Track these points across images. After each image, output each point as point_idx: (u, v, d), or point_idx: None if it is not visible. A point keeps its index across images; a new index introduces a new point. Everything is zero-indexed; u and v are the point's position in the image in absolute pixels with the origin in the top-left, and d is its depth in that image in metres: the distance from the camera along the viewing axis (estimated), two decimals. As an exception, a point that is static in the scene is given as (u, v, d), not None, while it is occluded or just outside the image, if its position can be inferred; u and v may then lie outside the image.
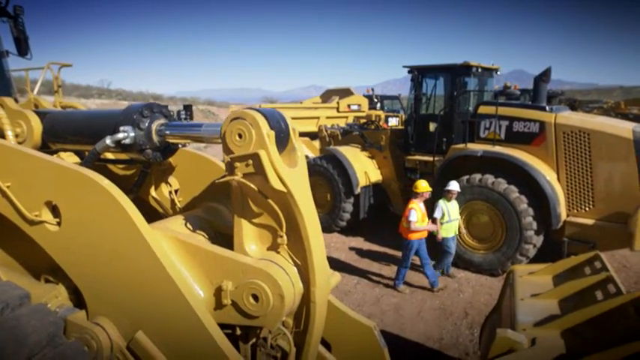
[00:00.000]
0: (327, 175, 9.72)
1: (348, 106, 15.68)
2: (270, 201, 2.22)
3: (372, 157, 10.07)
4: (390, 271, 7.81)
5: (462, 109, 8.72)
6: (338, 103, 15.54)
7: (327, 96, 16.99)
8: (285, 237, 2.27)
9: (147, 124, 2.53)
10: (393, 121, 11.20)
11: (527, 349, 2.37)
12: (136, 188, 3.14)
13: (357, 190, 9.44)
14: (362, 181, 9.53)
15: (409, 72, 9.23)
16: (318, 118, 14.28)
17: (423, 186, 7.07)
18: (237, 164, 2.14)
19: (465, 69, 8.60)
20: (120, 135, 2.44)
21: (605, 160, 6.95)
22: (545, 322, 2.64)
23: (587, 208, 7.18)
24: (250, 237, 2.36)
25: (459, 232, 7.61)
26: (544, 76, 7.99)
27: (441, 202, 7.19)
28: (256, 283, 2.16)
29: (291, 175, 2.18)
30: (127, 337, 2.19)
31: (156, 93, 40.17)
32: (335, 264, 8.07)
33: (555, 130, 7.32)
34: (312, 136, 12.85)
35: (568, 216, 7.30)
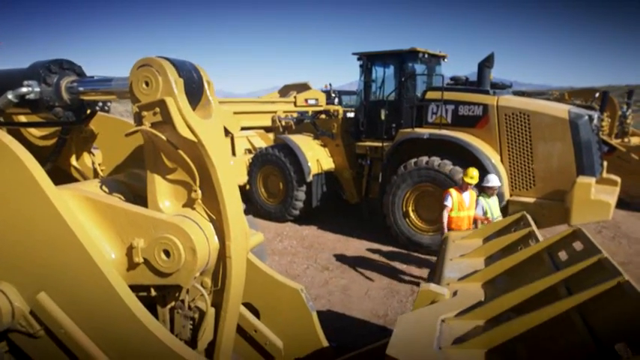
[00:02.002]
0: (280, 163, 9.65)
1: (306, 100, 15.61)
2: (181, 152, 2.14)
3: (324, 146, 10.07)
4: (341, 256, 7.82)
5: (409, 94, 8.82)
6: (295, 97, 15.46)
7: (284, 91, 16.89)
8: (199, 191, 2.20)
9: (55, 80, 2.40)
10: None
11: (448, 299, 2.39)
12: (53, 156, 2.99)
13: (309, 178, 9.42)
14: (314, 169, 9.50)
15: (358, 59, 9.27)
16: (275, 112, 14.16)
17: (474, 174, 6.26)
18: (145, 113, 2.06)
19: (412, 55, 8.70)
20: (23, 89, 2.31)
21: (544, 140, 7.20)
22: (469, 277, 2.68)
23: (528, 187, 7.42)
24: (164, 193, 2.28)
25: None
26: (487, 62, 8.21)
27: (482, 200, 6.47)
28: (167, 237, 2.09)
29: (203, 126, 2.11)
30: (31, 303, 2.07)
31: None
32: (286, 251, 8.02)
33: (498, 112, 7.53)
34: (269, 129, 12.79)
35: (511, 195, 7.52)
